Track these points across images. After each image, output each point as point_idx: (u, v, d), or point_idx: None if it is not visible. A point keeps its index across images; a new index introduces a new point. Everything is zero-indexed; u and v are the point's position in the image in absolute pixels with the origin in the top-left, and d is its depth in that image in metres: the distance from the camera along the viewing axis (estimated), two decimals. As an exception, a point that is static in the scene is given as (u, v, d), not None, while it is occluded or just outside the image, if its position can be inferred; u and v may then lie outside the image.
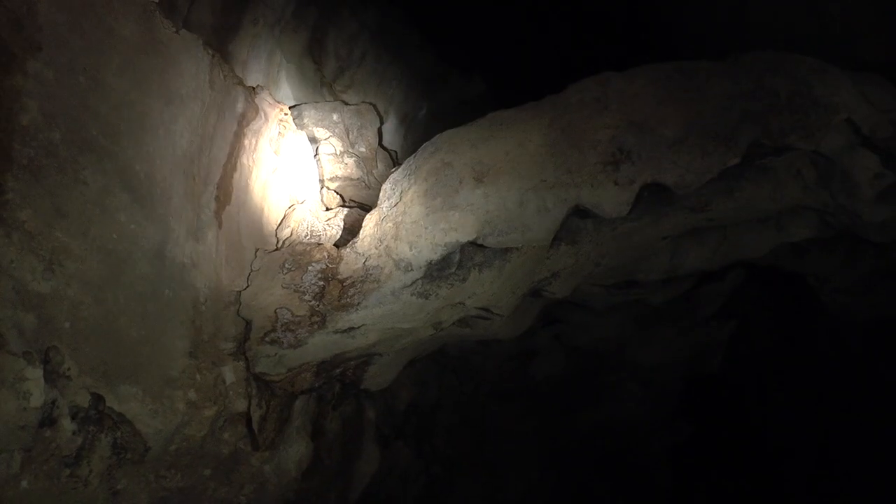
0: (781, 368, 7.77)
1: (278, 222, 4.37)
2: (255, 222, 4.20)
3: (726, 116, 4.02)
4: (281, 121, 4.38)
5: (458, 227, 3.99)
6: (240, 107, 4.03)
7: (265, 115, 4.22)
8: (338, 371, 4.73)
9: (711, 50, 4.43)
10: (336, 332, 4.19)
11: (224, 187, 3.94)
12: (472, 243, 4.09)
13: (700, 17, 6.15)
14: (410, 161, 4.19)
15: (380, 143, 5.91)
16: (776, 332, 7.48)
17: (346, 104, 5.79)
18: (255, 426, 4.14)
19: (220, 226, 3.90)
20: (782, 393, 7.92)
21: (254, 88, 4.21)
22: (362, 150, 5.57)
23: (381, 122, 6.11)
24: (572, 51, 6.52)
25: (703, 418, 7.89)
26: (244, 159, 4.06)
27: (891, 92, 4.36)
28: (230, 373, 3.99)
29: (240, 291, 4.04)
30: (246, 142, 4.07)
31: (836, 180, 4.47)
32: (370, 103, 6.03)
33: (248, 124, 4.08)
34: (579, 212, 4.13)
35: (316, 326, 4.12)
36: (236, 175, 4.02)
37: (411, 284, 4.13)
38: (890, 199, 4.52)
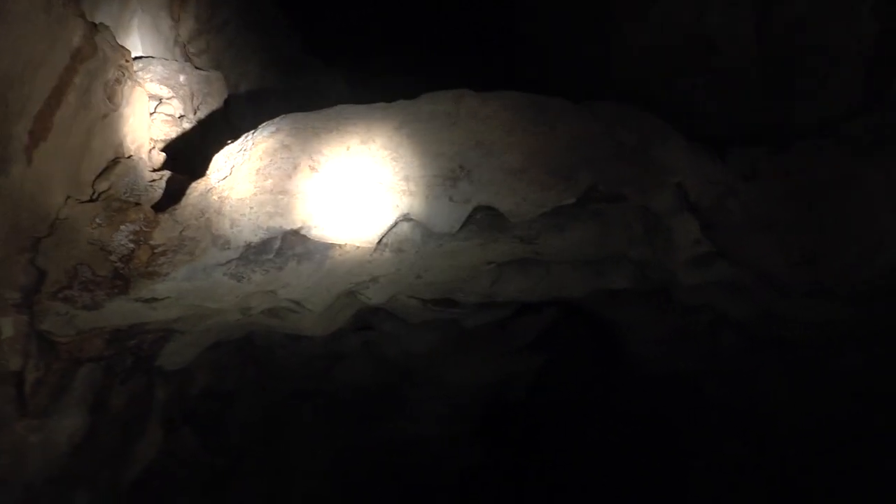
0: (581, 408, 8.25)
1: (98, 173, 4.23)
2: (71, 168, 4.05)
3: (570, 156, 4.28)
4: (121, 67, 4.27)
5: (285, 214, 4.04)
6: (76, 41, 3.89)
7: (104, 56, 4.10)
8: (133, 343, 4.62)
9: (570, 93, 4.70)
10: (138, 300, 4.10)
11: (42, 122, 3.78)
12: (296, 232, 4.13)
13: (568, 61, 6.55)
14: (248, 136, 4.20)
15: (224, 115, 5.85)
16: (581, 372, 7.94)
17: (197, 69, 5.71)
18: (27, 389, 3.96)
19: (29, 163, 3.73)
20: (578, 431, 8.41)
21: (95, 26, 4.10)
22: (203, 117, 5.52)
23: (230, 94, 6.06)
24: (437, 65, 6.73)
25: (498, 445, 8.22)
26: (71, 98, 3.91)
27: (718, 166, 4.79)
28: (9, 326, 3.80)
29: (39, 238, 3.88)
30: (77, 80, 3.93)
31: (659, 238, 4.84)
32: (223, 73, 5.97)
33: (82, 62, 3.94)
34: (409, 221, 4.26)
35: (117, 290, 4.02)
36: (59, 113, 3.86)
37: (225, 263, 4.11)
38: (702, 266, 4.96)
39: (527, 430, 8.45)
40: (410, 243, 4.37)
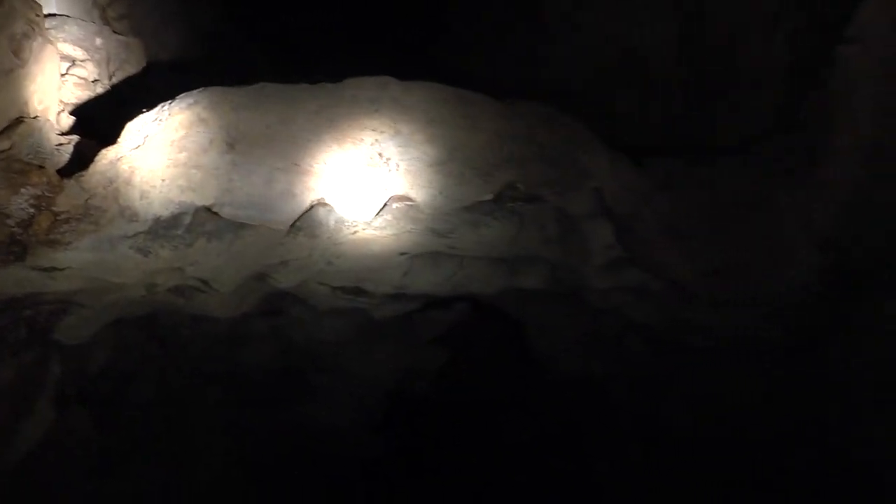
0: (487, 406, 8.34)
1: (-2, 131, 4.10)
2: (-32, 123, 3.91)
3: (491, 153, 4.33)
4: (31, 21, 4.11)
5: (197, 189, 3.99)
6: (-20, -12, 3.76)
7: (11, 7, 3.93)
8: (28, 313, 4.47)
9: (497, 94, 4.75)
10: (35, 268, 3.99)
11: (-61, 73, 3.64)
12: (208, 209, 4.07)
13: (497, 63, 6.63)
14: (164, 106, 4.10)
15: (141, 83, 5.71)
16: (489, 370, 8.02)
17: (116, 33, 5.57)
18: None
19: (-78, 115, 3.59)
20: (483, 429, 8.49)
21: (2, -26, 3.95)
22: (118, 83, 5.38)
23: (149, 62, 5.92)
24: (363, 51, 6.74)
25: (404, 438, 8.24)
26: (-28, 49, 3.78)
27: (635, 174, 4.94)
28: None
29: (-71, 196, 3.74)
30: (-20, 30, 3.80)
31: (573, 241, 4.95)
32: (143, 40, 5.84)
33: (-15, 11, 3.81)
34: (324, 206, 4.24)
35: (13, 257, 3.89)
36: (-43, 64, 3.74)
37: (132, 236, 4.03)
38: (614, 271, 5.08)
39: (432, 425, 8.49)
40: (324, 228, 4.35)
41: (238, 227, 4.20)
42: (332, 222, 4.33)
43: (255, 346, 6.16)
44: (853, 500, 5.24)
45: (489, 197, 4.41)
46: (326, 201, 4.21)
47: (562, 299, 5.82)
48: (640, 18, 5.91)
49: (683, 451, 6.40)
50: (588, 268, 5.05)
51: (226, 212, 4.09)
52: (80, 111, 4.95)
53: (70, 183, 4.00)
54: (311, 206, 4.22)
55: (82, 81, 5.09)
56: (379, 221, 4.37)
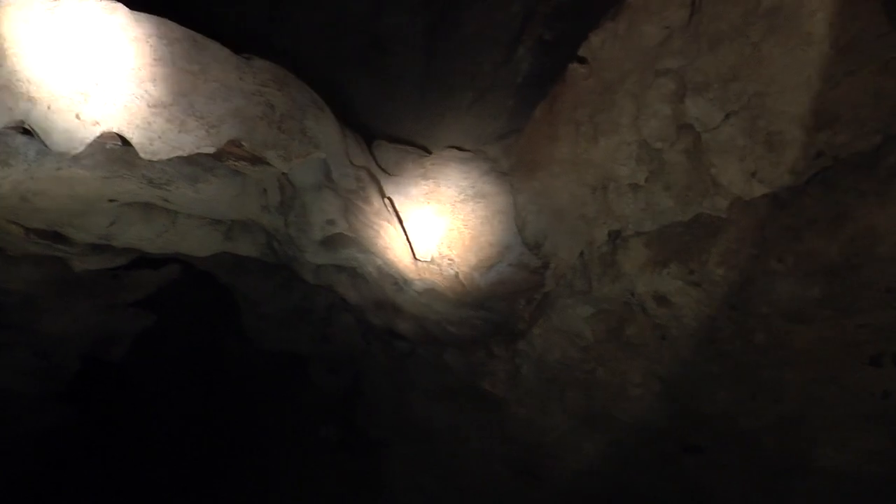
0: (187, 374, 8.19)
1: None
2: None
3: (218, 104, 4.20)
4: None
5: None
6: None
7: None
8: None
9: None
10: None
11: None
12: None
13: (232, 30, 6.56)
14: None
15: None
16: (192, 337, 7.88)
17: None
18: None
19: None
20: (179, 397, 8.33)
21: None
22: None
23: None
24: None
25: (92, 406, 7.88)
26: None
27: (366, 154, 5.12)
28: None
29: None
30: None
31: (294, 212, 4.99)
32: None
33: None
34: (23, 130, 3.89)
35: None
36: None
37: None
38: (331, 248, 5.20)
39: (125, 392, 8.18)
40: (21, 158, 4.02)
41: None
42: (31, 153, 4.00)
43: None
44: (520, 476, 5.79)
45: (210, 150, 4.26)
46: (27, 125, 3.82)
47: (276, 271, 5.84)
48: (388, 7, 6.10)
49: (383, 435, 6.68)
50: (306, 241, 5.11)
51: None
52: None
53: None
54: (7, 130, 3.86)
55: None
56: (89, 159, 4.10)
